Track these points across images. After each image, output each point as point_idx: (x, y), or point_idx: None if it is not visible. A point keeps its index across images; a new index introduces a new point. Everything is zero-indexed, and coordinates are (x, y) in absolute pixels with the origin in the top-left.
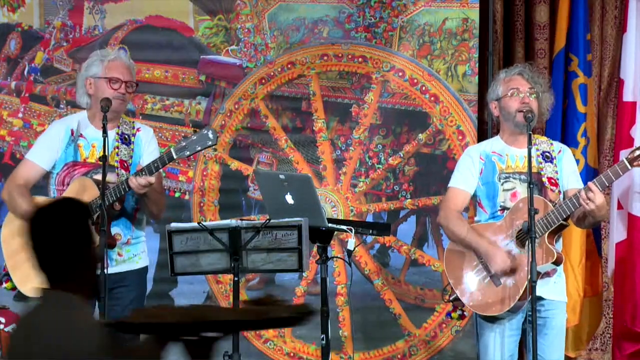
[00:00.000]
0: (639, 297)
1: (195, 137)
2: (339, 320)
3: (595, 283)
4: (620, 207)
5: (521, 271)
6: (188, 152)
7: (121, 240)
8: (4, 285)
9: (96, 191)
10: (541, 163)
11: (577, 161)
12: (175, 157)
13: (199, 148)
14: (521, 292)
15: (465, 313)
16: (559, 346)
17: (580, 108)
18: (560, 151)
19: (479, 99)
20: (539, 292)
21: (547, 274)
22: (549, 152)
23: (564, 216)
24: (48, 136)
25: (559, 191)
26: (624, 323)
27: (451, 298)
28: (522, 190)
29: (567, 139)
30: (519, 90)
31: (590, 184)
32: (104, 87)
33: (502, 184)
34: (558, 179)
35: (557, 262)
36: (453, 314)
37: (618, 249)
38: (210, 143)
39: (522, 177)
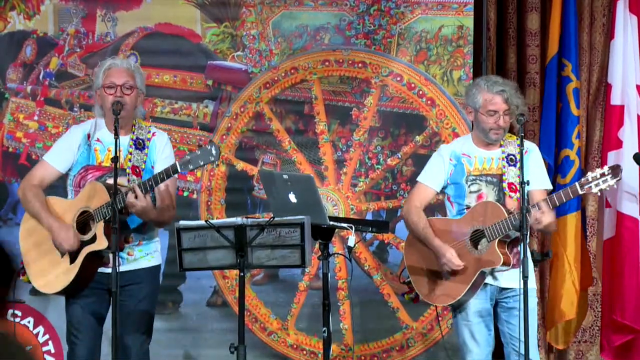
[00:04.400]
0: (628, 292)
1: (199, 153)
2: (340, 314)
3: (583, 278)
4: (608, 205)
5: (470, 267)
6: (191, 167)
7: (132, 242)
8: (21, 277)
9: (106, 196)
10: (504, 167)
11: (572, 162)
12: (179, 170)
13: (202, 163)
14: (469, 285)
15: (420, 296)
16: (530, 326)
17: (575, 111)
18: (526, 151)
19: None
20: (507, 284)
21: (513, 266)
22: (514, 155)
23: (506, 232)
24: (65, 140)
25: (518, 197)
26: (614, 316)
27: (407, 280)
28: (487, 192)
29: (563, 141)
30: (496, 112)
31: (542, 202)
32: (104, 95)
33: (469, 186)
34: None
35: (504, 265)
36: (406, 296)
37: (606, 246)
38: (212, 159)
39: (488, 179)
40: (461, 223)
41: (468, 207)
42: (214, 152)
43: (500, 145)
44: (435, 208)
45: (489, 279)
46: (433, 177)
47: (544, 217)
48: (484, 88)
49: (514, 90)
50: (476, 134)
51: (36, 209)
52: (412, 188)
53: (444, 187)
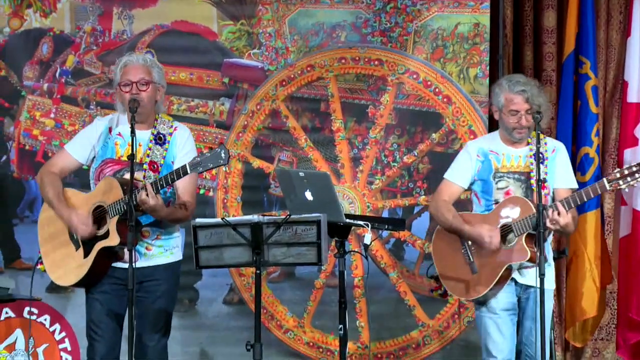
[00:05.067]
0: None
1: (209, 155)
2: (356, 311)
3: (603, 276)
4: (624, 203)
5: (497, 262)
6: (201, 169)
7: (149, 236)
8: (39, 266)
9: (120, 192)
10: (532, 164)
11: (592, 160)
12: (189, 172)
13: (211, 166)
14: (496, 279)
15: (448, 293)
16: (544, 329)
17: (593, 109)
18: (554, 150)
19: (490, 100)
20: (526, 281)
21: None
22: (541, 153)
23: (532, 227)
24: (88, 131)
25: (545, 194)
26: (629, 314)
27: (435, 275)
28: (514, 189)
29: (582, 139)
30: (517, 112)
31: (558, 203)
32: (121, 93)
33: (496, 183)
34: (547, 180)
35: (530, 261)
36: (435, 292)
37: (622, 244)
38: (221, 162)
39: (516, 176)
40: (490, 218)
41: (496, 203)
42: (223, 155)
43: (528, 143)
44: (457, 207)
45: (516, 275)
46: (460, 173)
47: (561, 218)
48: (506, 88)
49: (536, 89)
50: (502, 132)
51: (50, 195)
52: (438, 185)
53: (471, 184)
